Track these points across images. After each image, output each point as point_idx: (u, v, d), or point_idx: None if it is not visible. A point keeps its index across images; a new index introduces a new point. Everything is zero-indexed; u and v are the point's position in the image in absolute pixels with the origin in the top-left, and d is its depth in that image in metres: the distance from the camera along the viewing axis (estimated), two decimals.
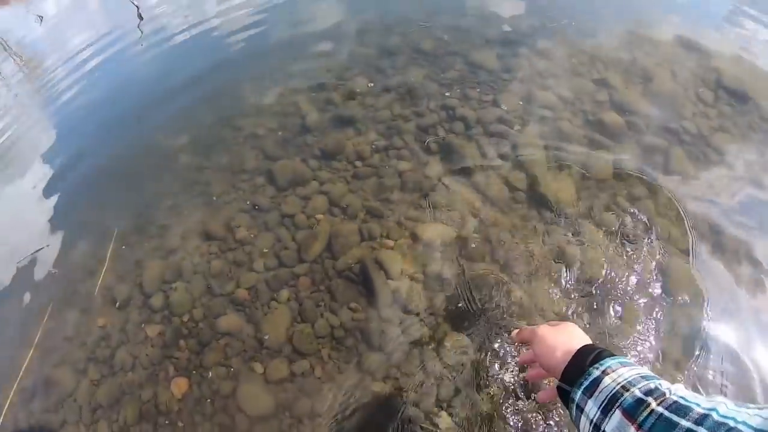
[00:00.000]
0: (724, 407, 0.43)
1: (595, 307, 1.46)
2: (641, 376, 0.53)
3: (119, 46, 3.65)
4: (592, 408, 0.54)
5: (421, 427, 1.27)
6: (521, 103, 2.05)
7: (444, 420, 1.30)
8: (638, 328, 1.43)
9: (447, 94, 2.07)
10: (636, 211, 1.72)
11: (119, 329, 1.69)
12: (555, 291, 1.49)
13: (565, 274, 1.54)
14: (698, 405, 0.45)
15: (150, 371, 1.56)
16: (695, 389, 1.35)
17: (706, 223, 1.69)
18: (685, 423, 0.44)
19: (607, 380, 0.54)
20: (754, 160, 1.97)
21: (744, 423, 0.40)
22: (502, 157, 1.83)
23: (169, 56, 3.34)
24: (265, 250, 1.64)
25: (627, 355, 0.97)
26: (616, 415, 0.50)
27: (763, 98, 2.23)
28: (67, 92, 3.34)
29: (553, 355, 0.65)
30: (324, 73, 2.39)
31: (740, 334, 1.41)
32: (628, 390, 0.51)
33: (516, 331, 0.80)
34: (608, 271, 1.52)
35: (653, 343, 1.42)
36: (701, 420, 0.43)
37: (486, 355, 1.36)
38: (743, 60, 2.54)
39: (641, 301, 1.48)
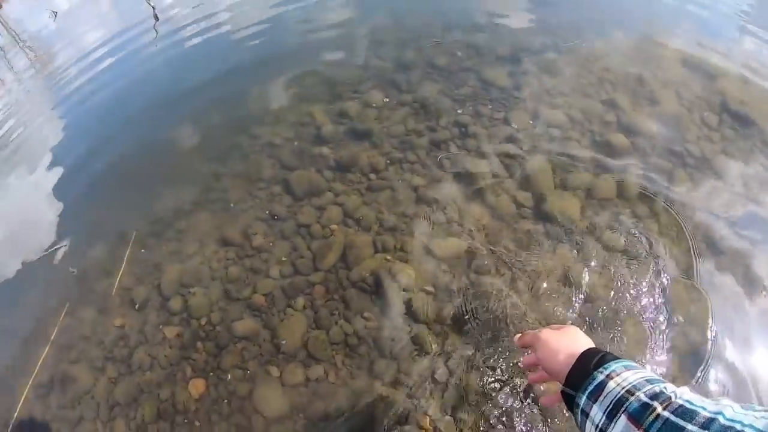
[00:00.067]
0: (730, 410, 0.44)
1: (596, 324, 1.57)
2: (646, 380, 0.54)
3: (133, 46, 3.81)
4: (597, 413, 0.55)
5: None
6: (531, 121, 2.17)
7: (448, 425, 1.40)
8: (640, 345, 1.53)
9: (459, 111, 2.20)
10: (639, 230, 1.83)
11: (137, 330, 1.80)
12: (558, 308, 1.59)
13: (568, 291, 1.64)
14: (704, 409, 0.46)
15: (168, 371, 1.67)
16: None
17: (708, 242, 1.80)
18: (691, 427, 0.45)
19: (611, 384, 0.55)
20: (755, 182, 2.09)
21: (751, 426, 0.41)
22: (511, 175, 1.95)
23: (183, 58, 3.49)
24: (284, 259, 1.76)
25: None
26: (622, 420, 0.51)
27: (766, 121, 2.37)
28: (79, 91, 3.48)
29: (556, 359, 0.66)
30: (340, 85, 2.53)
31: (743, 353, 1.50)
32: (633, 394, 0.52)
33: (518, 335, 0.81)
34: (611, 289, 1.62)
35: (655, 360, 1.52)
36: (708, 424, 0.44)
37: (491, 363, 1.47)
38: (749, 82, 2.67)
39: (643, 319, 1.58)
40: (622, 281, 1.67)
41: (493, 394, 1.39)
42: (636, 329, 1.56)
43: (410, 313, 1.61)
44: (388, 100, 2.32)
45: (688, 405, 0.47)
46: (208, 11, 4.09)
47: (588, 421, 0.56)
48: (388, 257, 1.71)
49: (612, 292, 1.61)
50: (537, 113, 2.23)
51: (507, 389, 1.39)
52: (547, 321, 1.54)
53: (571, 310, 1.57)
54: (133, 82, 3.39)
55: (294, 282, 1.71)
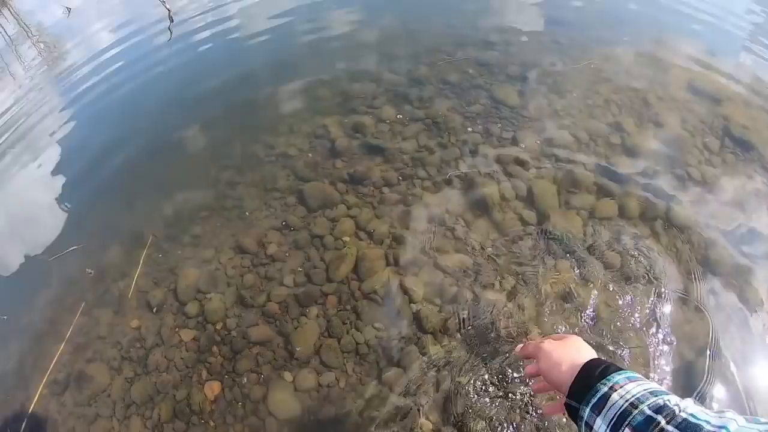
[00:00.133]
0: (734, 424, 0.45)
1: (596, 341, 1.70)
2: (650, 392, 0.54)
3: (148, 47, 3.99)
4: (601, 426, 0.56)
5: None
6: (538, 141, 2.32)
7: None
8: (638, 363, 1.64)
9: (470, 129, 2.34)
10: (640, 249, 1.95)
11: (154, 332, 1.92)
12: (559, 324, 1.71)
13: (569, 308, 1.77)
14: (708, 423, 0.47)
15: (184, 373, 1.79)
16: None
17: (707, 262, 1.92)
18: None
19: (615, 397, 0.56)
20: (753, 205, 2.21)
21: None
22: (517, 194, 2.08)
23: (197, 62, 3.64)
24: (299, 269, 1.89)
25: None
26: None
27: (766, 146, 2.50)
28: (92, 90, 3.63)
29: (559, 370, 0.67)
30: (354, 98, 2.68)
31: (742, 370, 1.60)
32: (636, 407, 0.53)
33: (520, 346, 0.83)
34: (611, 307, 1.75)
35: (652, 377, 1.63)
36: None
37: (493, 373, 1.59)
38: (751, 106, 2.81)
39: (642, 336, 1.69)
40: (623, 299, 1.79)
41: (496, 403, 1.51)
42: (635, 347, 1.68)
43: (418, 324, 1.73)
44: (401, 116, 2.46)
45: (692, 419, 0.48)
46: (222, 15, 4.27)
47: None
48: (399, 270, 1.84)
49: (612, 310, 1.74)
50: (545, 134, 2.37)
51: (509, 398, 1.51)
52: (545, 331, 1.66)
53: (571, 327, 1.70)
54: (146, 83, 3.54)
55: (307, 291, 1.84)
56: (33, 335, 2.07)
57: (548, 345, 0.74)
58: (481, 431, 1.48)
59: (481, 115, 2.48)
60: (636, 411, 0.53)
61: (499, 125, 2.38)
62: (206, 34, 3.97)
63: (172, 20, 3.97)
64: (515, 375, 1.56)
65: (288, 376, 1.67)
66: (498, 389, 1.53)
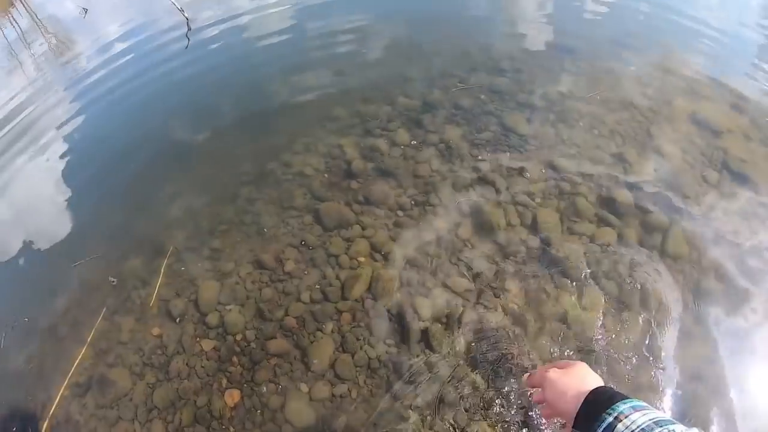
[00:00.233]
0: None
1: (592, 366, 1.91)
2: (655, 422, 0.57)
3: (164, 53, 4.23)
4: None
5: None
6: (543, 171, 2.55)
7: None
8: (632, 388, 1.85)
9: (480, 157, 2.57)
10: (636, 278, 2.18)
11: (175, 340, 2.12)
12: (556, 346, 1.93)
13: (565, 333, 1.97)
14: None
15: (205, 381, 1.99)
16: None
17: (701, 291, 2.12)
18: None
19: (620, 427, 0.58)
20: (747, 238, 2.41)
21: None
22: (523, 222, 2.31)
23: (212, 72, 3.88)
24: (316, 286, 2.10)
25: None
26: None
27: (763, 181, 2.73)
28: (106, 97, 3.86)
29: (564, 399, 0.71)
30: (369, 120, 2.92)
31: (741, 399, 1.77)
32: None
33: (526, 375, 0.91)
34: (604, 335, 1.97)
35: (649, 403, 1.86)
36: None
37: (497, 394, 1.79)
38: (750, 139, 3.05)
39: (637, 361, 1.88)
40: (620, 325, 2.01)
41: (498, 417, 1.72)
42: (630, 372, 1.90)
43: (426, 341, 1.94)
44: (415, 142, 2.71)
45: None
46: (236, 24, 4.54)
47: None
48: (410, 291, 2.06)
49: (610, 335, 1.95)
50: (551, 164, 2.60)
51: (513, 419, 1.72)
52: (545, 355, 1.88)
53: (568, 351, 1.91)
54: (162, 90, 3.79)
55: (323, 308, 2.05)
56: (54, 338, 2.27)
57: (553, 374, 0.78)
58: None
59: (491, 143, 2.71)
60: None
61: (508, 154, 2.62)
62: (221, 43, 4.24)
63: (189, 28, 4.22)
64: (516, 392, 1.77)
65: (304, 386, 1.87)
66: (499, 405, 1.74)
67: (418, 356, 1.90)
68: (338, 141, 2.78)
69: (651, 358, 1.88)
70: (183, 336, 2.12)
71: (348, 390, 1.85)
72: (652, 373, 1.85)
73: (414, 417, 1.74)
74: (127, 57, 4.36)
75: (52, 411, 2.03)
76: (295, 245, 2.30)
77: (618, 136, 2.92)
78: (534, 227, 2.32)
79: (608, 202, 2.43)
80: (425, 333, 1.96)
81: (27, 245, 2.70)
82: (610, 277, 2.12)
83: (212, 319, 2.11)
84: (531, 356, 1.88)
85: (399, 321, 2.00)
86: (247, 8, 4.90)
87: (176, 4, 4.10)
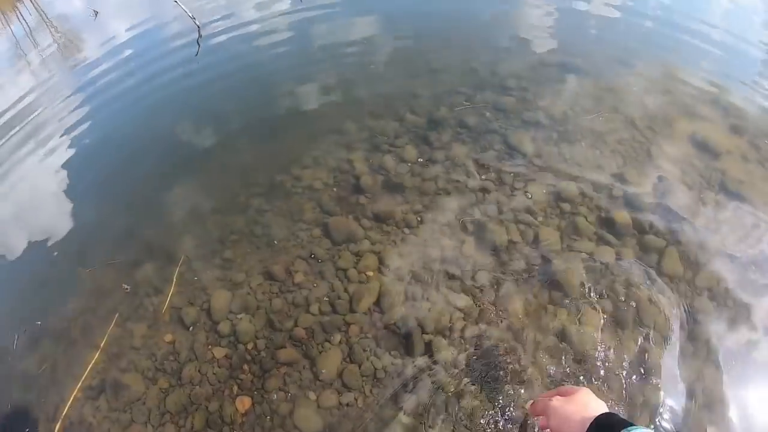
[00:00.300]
0: None
1: (581, 381, 2.04)
2: None
3: (175, 59, 4.41)
4: None
5: None
6: (544, 191, 2.70)
7: None
8: (624, 404, 1.99)
9: (483, 177, 2.74)
10: (631, 297, 2.33)
11: (187, 347, 2.26)
12: (553, 362, 2.06)
13: (563, 349, 2.12)
14: None
15: (216, 387, 2.13)
16: None
17: (692, 314, 2.25)
18: None
19: None
20: (742, 260, 2.57)
21: None
22: (525, 240, 2.47)
23: (222, 80, 4.05)
24: (325, 298, 2.26)
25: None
26: None
27: (759, 203, 2.89)
28: (115, 102, 4.04)
29: (568, 426, 0.74)
30: (378, 136, 3.10)
31: (740, 417, 1.90)
32: None
33: (531, 402, 0.94)
34: (599, 352, 2.11)
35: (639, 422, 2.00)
36: None
37: (496, 406, 1.94)
38: (749, 160, 3.20)
39: (629, 382, 2.02)
40: (615, 342, 2.16)
41: (497, 426, 1.87)
42: (625, 389, 2.02)
43: (430, 354, 2.09)
44: (422, 160, 2.88)
45: None
46: (246, 31, 4.73)
47: None
48: (415, 305, 2.21)
49: (599, 354, 2.07)
50: (552, 185, 2.76)
51: (509, 428, 1.87)
52: (543, 370, 2.02)
53: (564, 366, 2.05)
54: (172, 96, 3.97)
55: (332, 320, 2.20)
56: (66, 342, 2.41)
57: (556, 402, 0.82)
58: None
59: (495, 161, 2.88)
60: None
61: (512, 174, 2.78)
62: (230, 51, 4.45)
63: (200, 35, 4.40)
64: (516, 409, 1.91)
65: (312, 395, 2.02)
66: (497, 418, 1.89)
67: (421, 368, 2.04)
68: (347, 156, 2.95)
69: (646, 375, 2.02)
70: (195, 343, 2.26)
71: (355, 399, 1.99)
72: (647, 389, 1.99)
73: (416, 426, 1.89)
74: (137, 61, 4.55)
75: (64, 412, 2.16)
76: (304, 257, 2.46)
77: (619, 156, 3.08)
78: (535, 245, 2.48)
79: (607, 222, 2.59)
80: (429, 345, 2.11)
81: (39, 249, 2.84)
82: (608, 295, 2.27)
83: (224, 327, 2.26)
84: (529, 372, 2.03)
85: (404, 333, 2.15)
86: (256, 17, 5.11)
87: (188, 12, 4.27)
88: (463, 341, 2.13)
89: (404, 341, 2.14)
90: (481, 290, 2.30)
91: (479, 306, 2.24)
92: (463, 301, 2.25)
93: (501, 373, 2.04)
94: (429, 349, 2.10)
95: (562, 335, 2.12)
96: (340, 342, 2.14)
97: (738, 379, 2.07)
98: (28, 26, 5.71)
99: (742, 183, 2.99)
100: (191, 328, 2.26)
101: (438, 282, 2.31)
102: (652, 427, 1.94)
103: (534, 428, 1.85)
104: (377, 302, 2.24)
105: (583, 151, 3.10)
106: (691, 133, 3.33)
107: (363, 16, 5.00)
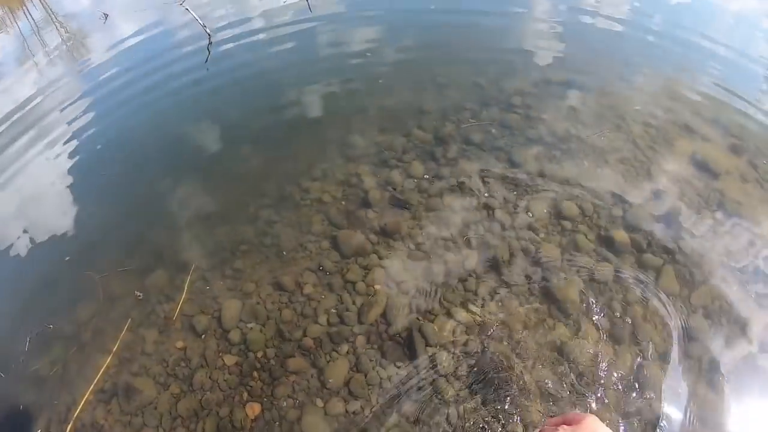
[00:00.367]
0: None
1: (578, 395, 2.19)
2: None
3: (184, 65, 4.58)
4: None
5: None
6: (546, 211, 2.87)
7: None
8: (618, 418, 2.15)
9: (486, 194, 2.90)
10: (628, 313, 2.47)
11: (198, 354, 2.40)
12: (549, 380, 2.20)
13: (561, 364, 2.26)
14: None
15: (227, 393, 2.27)
16: None
17: (687, 330, 2.40)
18: None
19: None
20: (735, 280, 2.69)
21: None
22: (526, 255, 2.63)
23: (230, 88, 4.23)
24: (333, 310, 2.41)
25: None
26: None
27: (756, 223, 3.03)
28: (123, 109, 4.19)
29: None
30: (385, 151, 3.26)
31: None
32: None
33: (537, 431, 1.01)
34: (596, 366, 2.25)
35: None
36: None
37: (496, 418, 2.10)
38: (747, 180, 3.36)
39: (624, 396, 2.17)
40: (611, 356, 2.30)
41: None
42: (621, 402, 2.18)
43: (433, 365, 2.24)
44: (428, 176, 3.04)
45: None
46: (255, 39, 4.92)
47: None
48: (420, 318, 2.37)
49: (596, 369, 2.22)
50: (554, 203, 2.92)
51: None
52: (541, 382, 2.17)
53: (561, 379, 2.20)
54: (182, 103, 4.14)
55: (339, 330, 2.35)
56: (78, 346, 2.54)
57: (563, 431, 0.83)
58: None
59: (500, 179, 3.04)
60: None
61: (515, 193, 2.95)
62: (240, 59, 4.63)
63: (210, 42, 4.58)
64: (514, 411, 2.06)
65: (320, 402, 2.16)
66: (497, 426, 2.03)
67: (425, 378, 2.19)
68: (356, 170, 3.12)
69: (642, 390, 2.17)
70: (206, 350, 2.40)
71: (361, 407, 2.14)
72: (642, 402, 2.14)
73: None
74: (146, 67, 4.71)
75: (76, 414, 2.30)
76: (312, 269, 2.62)
77: (620, 176, 3.24)
78: (536, 261, 2.63)
79: (607, 240, 2.74)
80: (432, 357, 2.26)
81: (50, 252, 2.99)
82: (605, 311, 2.43)
83: (234, 336, 2.40)
84: (528, 384, 2.17)
85: (409, 345, 2.30)
86: (264, 26, 5.30)
87: (199, 20, 4.44)
88: (466, 353, 2.27)
89: (408, 352, 2.29)
90: (483, 304, 2.46)
91: (481, 319, 2.40)
92: (465, 314, 2.41)
93: (501, 384, 2.18)
94: (432, 361, 2.25)
95: (561, 349, 2.27)
96: (347, 352, 2.29)
97: (732, 394, 2.22)
98: (36, 26, 5.89)
99: (740, 204, 3.14)
100: (203, 336, 2.41)
101: (441, 295, 2.46)
102: None
103: None
104: (384, 314, 2.39)
105: (585, 169, 3.26)
106: (692, 152, 3.49)
107: (370, 26, 5.20)
